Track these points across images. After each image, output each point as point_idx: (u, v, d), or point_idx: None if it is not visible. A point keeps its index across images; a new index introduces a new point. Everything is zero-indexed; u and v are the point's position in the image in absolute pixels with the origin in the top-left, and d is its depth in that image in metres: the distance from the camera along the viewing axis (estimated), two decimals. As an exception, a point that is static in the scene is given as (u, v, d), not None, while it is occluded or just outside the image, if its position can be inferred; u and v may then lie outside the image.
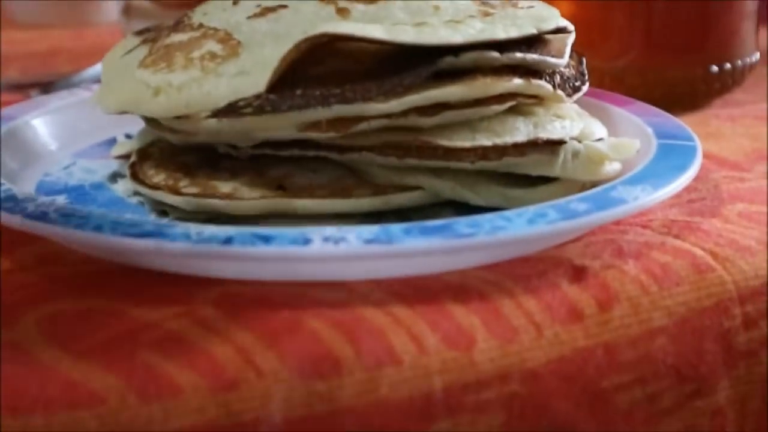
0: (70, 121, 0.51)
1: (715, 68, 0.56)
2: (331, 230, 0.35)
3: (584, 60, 0.47)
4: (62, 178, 0.47)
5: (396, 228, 0.35)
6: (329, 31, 0.40)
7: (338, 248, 0.34)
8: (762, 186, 0.45)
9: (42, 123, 0.50)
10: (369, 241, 0.34)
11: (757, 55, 0.59)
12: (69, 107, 0.52)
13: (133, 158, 0.46)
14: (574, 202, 0.38)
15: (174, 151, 0.45)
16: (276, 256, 0.34)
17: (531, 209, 0.37)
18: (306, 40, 0.40)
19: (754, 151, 0.50)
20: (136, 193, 0.45)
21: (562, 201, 0.38)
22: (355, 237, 0.35)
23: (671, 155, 0.42)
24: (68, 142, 0.51)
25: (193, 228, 0.35)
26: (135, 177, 0.44)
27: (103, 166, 0.48)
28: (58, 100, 0.52)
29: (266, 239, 0.35)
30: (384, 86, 0.40)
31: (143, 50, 0.45)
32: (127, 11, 0.72)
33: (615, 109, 0.49)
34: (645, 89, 0.55)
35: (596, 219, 0.37)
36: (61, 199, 0.44)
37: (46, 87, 0.62)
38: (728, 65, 0.57)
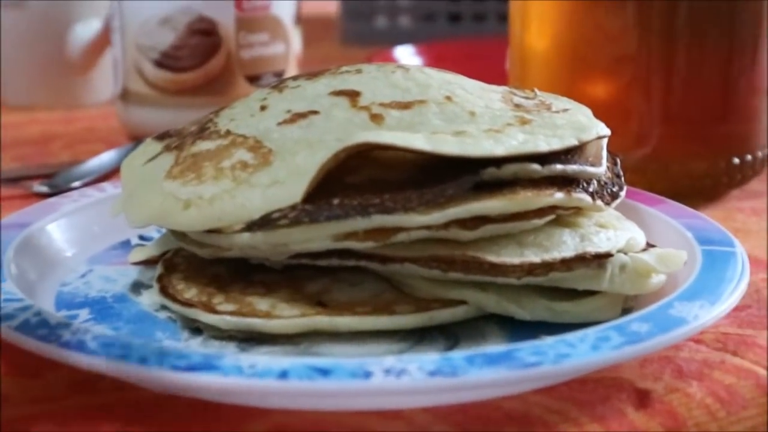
0: (83, 224, 0.50)
1: (736, 160, 0.56)
2: (390, 361, 0.34)
3: (618, 161, 0.46)
4: (81, 289, 0.45)
5: (458, 358, 0.34)
6: (371, 141, 0.39)
7: (401, 382, 0.33)
8: (804, 291, 0.44)
9: (56, 228, 0.49)
10: (432, 373, 0.33)
11: (774, 145, 0.58)
12: (81, 210, 0.50)
13: (159, 270, 0.44)
14: (635, 322, 0.36)
15: (202, 262, 0.43)
16: (336, 392, 0.33)
17: (592, 333, 0.36)
18: (345, 149, 0.39)
19: (787, 249, 0.49)
20: (164, 307, 0.43)
21: (621, 321, 0.37)
22: (417, 369, 0.33)
23: (718, 264, 0.42)
24: (82, 246, 0.49)
25: (245, 360, 0.34)
26: (165, 292, 0.42)
27: (121, 274, 0.47)
28: (70, 202, 0.51)
29: (324, 372, 0.33)
30: (425, 197, 0.39)
31: (168, 158, 0.44)
32: (125, 97, 0.70)
33: (649, 210, 0.48)
34: (668, 182, 0.55)
35: (660, 342, 0.35)
36: (84, 314, 0.43)
37: (48, 179, 0.61)
38: (749, 156, 0.56)
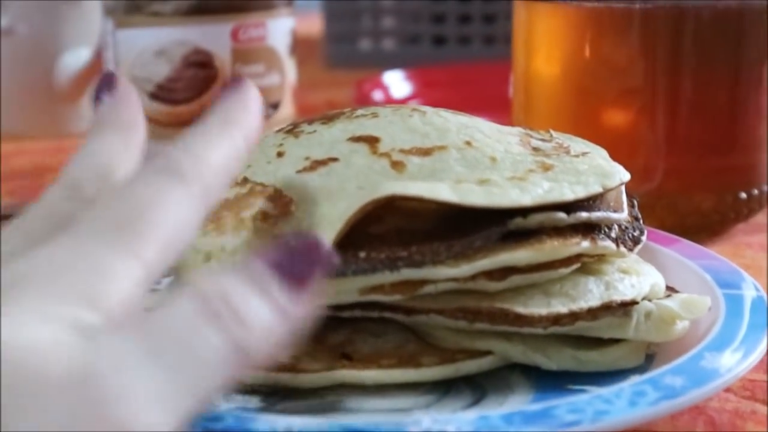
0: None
1: (743, 194, 0.56)
2: (428, 422, 0.33)
3: (636, 202, 0.46)
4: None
5: (495, 417, 0.33)
6: (398, 192, 0.39)
7: (440, 443, 0.32)
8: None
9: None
10: (471, 435, 0.33)
11: (778, 179, 0.58)
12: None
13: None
14: (668, 375, 0.36)
15: (219, 312, 0.43)
16: (374, 454, 0.32)
17: (627, 388, 0.35)
18: (372, 202, 0.39)
19: (800, 288, 0.49)
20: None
21: (655, 375, 0.36)
22: (455, 429, 0.33)
23: (740, 309, 0.41)
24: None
25: (280, 422, 0.33)
26: (184, 344, 0.41)
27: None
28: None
29: (361, 434, 0.33)
30: (453, 249, 0.39)
31: (184, 205, 0.43)
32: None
33: (664, 251, 0.48)
34: (676, 217, 0.55)
35: (696, 396, 0.35)
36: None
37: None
38: (756, 191, 0.56)
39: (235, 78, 0.35)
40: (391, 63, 1.02)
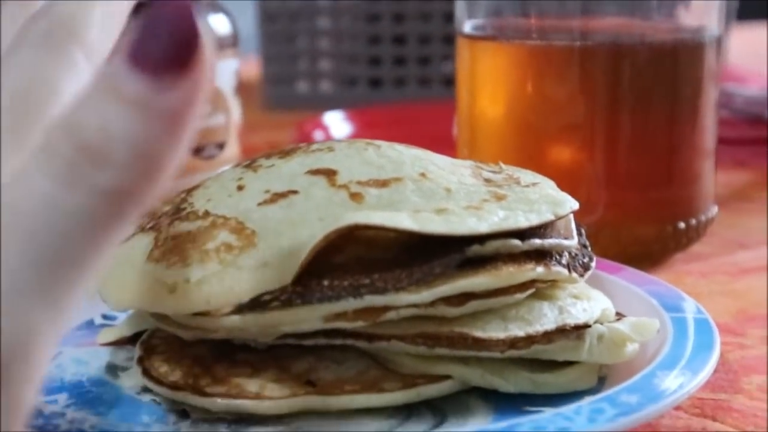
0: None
1: (682, 224, 0.58)
2: (397, 441, 0.34)
3: (584, 231, 0.47)
4: (55, 373, 0.45)
5: (461, 436, 0.35)
6: (361, 222, 0.40)
7: (410, 462, 0.33)
8: (764, 354, 0.46)
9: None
10: (440, 453, 0.34)
11: (715, 209, 0.61)
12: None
13: (139, 352, 0.44)
14: (624, 393, 0.38)
15: (183, 343, 0.43)
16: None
17: (586, 405, 0.37)
18: (336, 231, 0.40)
19: (739, 312, 0.51)
20: (146, 389, 0.43)
21: (611, 393, 0.38)
22: (424, 448, 0.34)
23: (686, 331, 0.43)
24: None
25: (253, 445, 0.34)
26: (148, 375, 0.42)
27: (92, 356, 0.46)
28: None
29: (334, 455, 0.34)
30: (414, 276, 0.40)
31: (144, 240, 0.44)
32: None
33: (611, 278, 0.49)
34: (619, 247, 0.56)
35: (651, 412, 0.37)
36: (63, 399, 0.42)
37: None
38: (694, 221, 0.58)
39: None
40: (329, 104, 1.03)
